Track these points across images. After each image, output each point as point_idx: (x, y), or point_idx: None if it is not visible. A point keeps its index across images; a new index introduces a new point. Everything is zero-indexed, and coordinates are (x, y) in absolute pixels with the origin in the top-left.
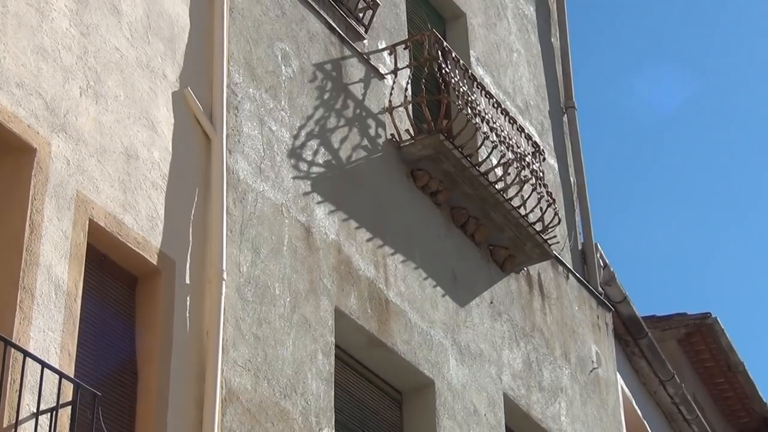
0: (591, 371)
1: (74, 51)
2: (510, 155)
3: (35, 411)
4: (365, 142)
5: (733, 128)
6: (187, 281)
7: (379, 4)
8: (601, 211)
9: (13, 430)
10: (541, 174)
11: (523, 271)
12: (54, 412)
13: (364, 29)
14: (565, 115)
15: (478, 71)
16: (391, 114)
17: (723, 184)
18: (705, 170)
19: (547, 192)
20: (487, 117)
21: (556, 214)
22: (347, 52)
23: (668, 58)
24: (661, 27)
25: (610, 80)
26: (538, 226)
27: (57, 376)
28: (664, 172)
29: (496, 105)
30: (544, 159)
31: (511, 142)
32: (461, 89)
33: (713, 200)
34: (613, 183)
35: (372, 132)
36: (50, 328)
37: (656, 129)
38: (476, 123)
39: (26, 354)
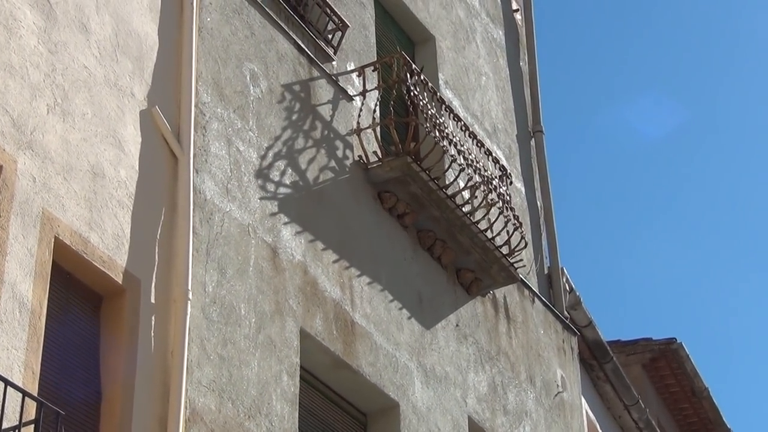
0: (556, 395)
1: (42, 68)
2: (477, 178)
3: None
4: (333, 163)
5: (709, 157)
6: (153, 300)
7: (348, 26)
8: (567, 236)
9: None
10: (508, 197)
11: (489, 294)
12: (17, 431)
13: (333, 51)
14: (533, 139)
15: (447, 94)
16: (358, 135)
17: (688, 211)
18: (671, 197)
19: (514, 215)
20: (454, 140)
21: (522, 237)
22: (316, 74)
23: (655, 87)
24: (650, 56)
25: (597, 107)
26: (505, 250)
27: (20, 395)
28: (631, 198)
29: (464, 128)
30: (511, 183)
31: (478, 166)
32: (429, 112)
33: (680, 227)
34: (581, 208)
35: (339, 153)
36: (14, 346)
37: (631, 157)
38: (444, 146)
39: None
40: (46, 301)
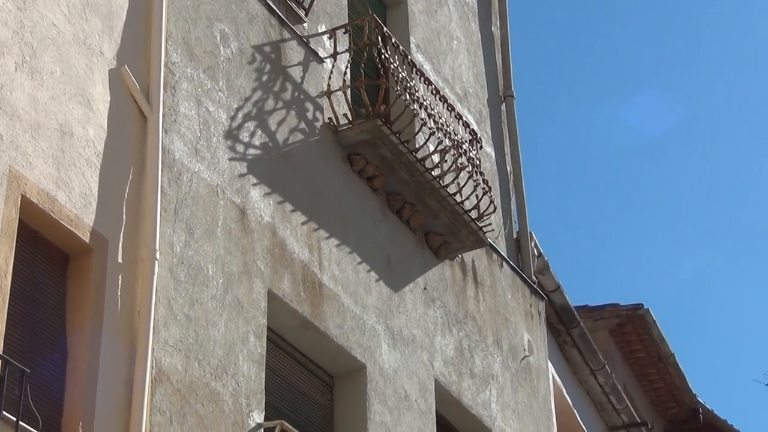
0: (522, 359)
1: (10, 25)
2: (447, 142)
3: None
4: (303, 125)
5: (695, 143)
6: (120, 260)
7: None
8: (536, 201)
9: None
10: (477, 162)
11: (457, 258)
12: None
13: (304, 12)
14: (504, 103)
15: (418, 58)
16: (329, 98)
17: (657, 182)
18: (643, 173)
19: (483, 180)
20: (425, 103)
21: (491, 202)
22: (287, 35)
23: (652, 84)
24: (648, 54)
25: (597, 101)
26: (474, 214)
27: None
28: (602, 167)
29: (434, 92)
30: (481, 147)
31: (448, 129)
32: (400, 75)
33: (646, 193)
34: (550, 173)
35: (310, 115)
36: None
37: (610, 137)
38: (414, 109)
39: None
40: (12, 260)
